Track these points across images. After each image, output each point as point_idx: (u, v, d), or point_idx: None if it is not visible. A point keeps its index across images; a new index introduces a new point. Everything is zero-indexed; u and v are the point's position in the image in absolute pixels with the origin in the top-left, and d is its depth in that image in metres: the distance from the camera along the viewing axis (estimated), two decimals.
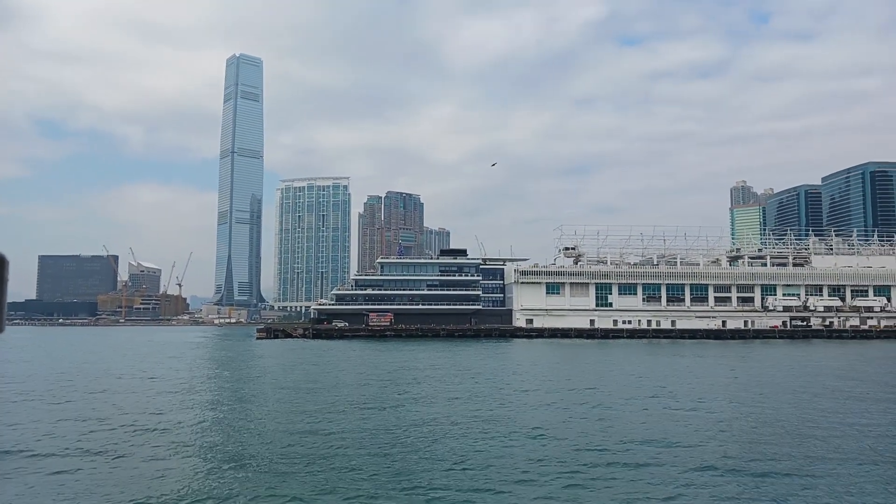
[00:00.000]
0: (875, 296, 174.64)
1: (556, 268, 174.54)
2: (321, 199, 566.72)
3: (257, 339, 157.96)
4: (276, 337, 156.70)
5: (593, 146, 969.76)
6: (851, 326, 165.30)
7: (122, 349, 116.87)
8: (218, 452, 26.96)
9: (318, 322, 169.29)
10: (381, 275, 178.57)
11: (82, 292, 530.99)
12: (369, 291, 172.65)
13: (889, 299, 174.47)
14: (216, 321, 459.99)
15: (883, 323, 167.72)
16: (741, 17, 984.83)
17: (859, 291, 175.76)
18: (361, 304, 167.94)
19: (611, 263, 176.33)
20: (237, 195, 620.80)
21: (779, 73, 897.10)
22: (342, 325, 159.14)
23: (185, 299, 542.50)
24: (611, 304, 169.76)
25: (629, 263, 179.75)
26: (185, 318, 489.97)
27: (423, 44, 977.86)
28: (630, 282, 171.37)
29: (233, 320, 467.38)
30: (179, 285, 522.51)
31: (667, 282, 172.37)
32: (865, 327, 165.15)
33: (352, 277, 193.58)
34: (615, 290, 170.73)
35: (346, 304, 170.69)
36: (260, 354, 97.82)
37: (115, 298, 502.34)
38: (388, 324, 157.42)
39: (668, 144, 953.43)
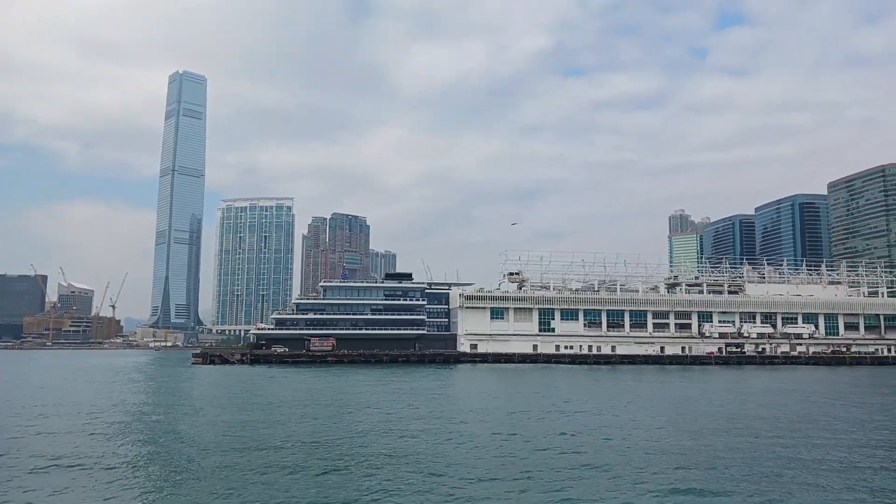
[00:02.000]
0: (804, 323, 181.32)
1: (500, 293, 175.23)
2: (264, 220, 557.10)
3: (193, 364, 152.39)
4: (212, 362, 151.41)
5: (539, 172, 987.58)
6: (782, 353, 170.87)
7: (40, 376, 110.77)
8: (138, 492, 25.23)
9: (257, 347, 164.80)
10: (323, 298, 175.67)
11: (7, 314, 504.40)
12: (311, 316, 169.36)
13: (817, 326, 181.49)
14: (151, 344, 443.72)
15: (811, 349, 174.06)
16: (680, 52, 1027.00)
17: (789, 319, 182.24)
18: (303, 329, 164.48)
19: (553, 289, 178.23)
20: (177, 214, 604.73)
21: (715, 106, 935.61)
22: (282, 350, 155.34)
23: (118, 321, 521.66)
24: (553, 330, 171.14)
25: (571, 289, 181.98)
26: (118, 340, 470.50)
27: (373, 68, 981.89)
28: (572, 307, 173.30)
29: (169, 343, 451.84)
30: (113, 307, 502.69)
31: (607, 308, 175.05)
32: (795, 353, 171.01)
33: (293, 301, 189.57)
34: (557, 315, 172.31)
35: (286, 329, 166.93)
36: (193, 383, 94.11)
37: (43, 320, 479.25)
38: (330, 349, 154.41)
39: (609, 172, 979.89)
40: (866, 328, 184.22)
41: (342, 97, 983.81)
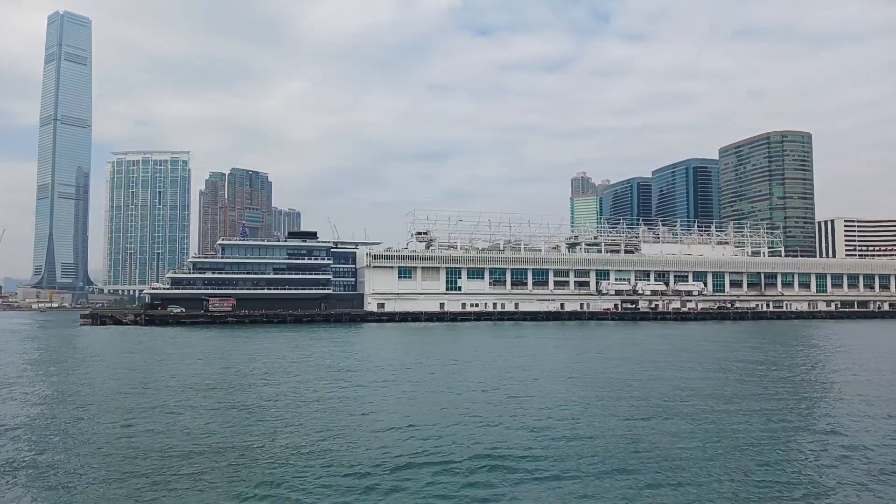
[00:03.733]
0: (694, 281, 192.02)
1: (408, 252, 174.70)
2: (158, 175, 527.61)
3: (81, 325, 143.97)
4: (103, 323, 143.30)
5: (448, 132, 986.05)
6: (674, 309, 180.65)
7: None
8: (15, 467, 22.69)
9: (151, 307, 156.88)
10: (222, 257, 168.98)
11: None
12: (209, 275, 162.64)
13: (706, 284, 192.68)
14: (35, 306, 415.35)
15: (700, 306, 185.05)
16: (585, 15, 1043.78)
17: (681, 277, 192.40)
18: (200, 289, 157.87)
19: (461, 248, 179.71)
20: (60, 167, 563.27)
21: (618, 70, 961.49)
22: (178, 310, 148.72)
23: None
24: (460, 288, 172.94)
25: (478, 249, 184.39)
26: None
27: (273, 17, 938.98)
28: (478, 266, 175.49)
29: (55, 305, 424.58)
30: None
31: (512, 266, 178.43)
32: (685, 310, 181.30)
33: (190, 260, 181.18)
34: (464, 274, 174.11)
35: (183, 288, 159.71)
36: (82, 344, 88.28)
37: None
38: (231, 309, 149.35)
39: (516, 134, 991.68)
40: (749, 285, 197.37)
41: (241, 47, 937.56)
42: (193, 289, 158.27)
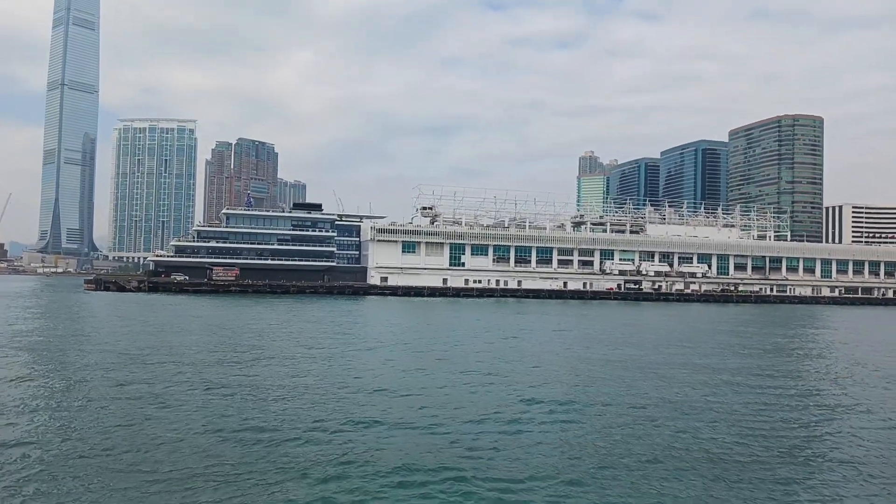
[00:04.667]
0: (698, 263, 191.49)
1: (412, 227, 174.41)
2: (164, 143, 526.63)
3: (85, 290, 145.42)
4: (107, 289, 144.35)
5: (455, 108, 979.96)
6: (677, 290, 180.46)
7: None
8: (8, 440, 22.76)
9: (155, 274, 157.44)
10: (226, 227, 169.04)
11: None
12: (213, 244, 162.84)
13: (710, 266, 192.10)
14: (40, 270, 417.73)
15: (703, 288, 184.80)
16: None
17: (685, 258, 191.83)
18: (204, 257, 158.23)
19: (465, 225, 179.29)
20: (67, 132, 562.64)
21: (630, 50, 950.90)
22: (182, 278, 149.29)
23: (1, 245, 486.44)
24: (463, 264, 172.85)
25: (482, 225, 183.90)
26: (1, 265, 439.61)
27: None
28: (482, 243, 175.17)
29: (60, 270, 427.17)
30: None
31: (515, 244, 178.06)
32: (688, 291, 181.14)
33: (194, 228, 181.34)
34: (468, 250, 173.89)
35: (187, 256, 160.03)
36: (85, 308, 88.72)
37: None
38: (234, 279, 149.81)
39: (524, 111, 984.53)
40: (753, 269, 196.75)
41: (251, 18, 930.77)
42: (197, 257, 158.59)
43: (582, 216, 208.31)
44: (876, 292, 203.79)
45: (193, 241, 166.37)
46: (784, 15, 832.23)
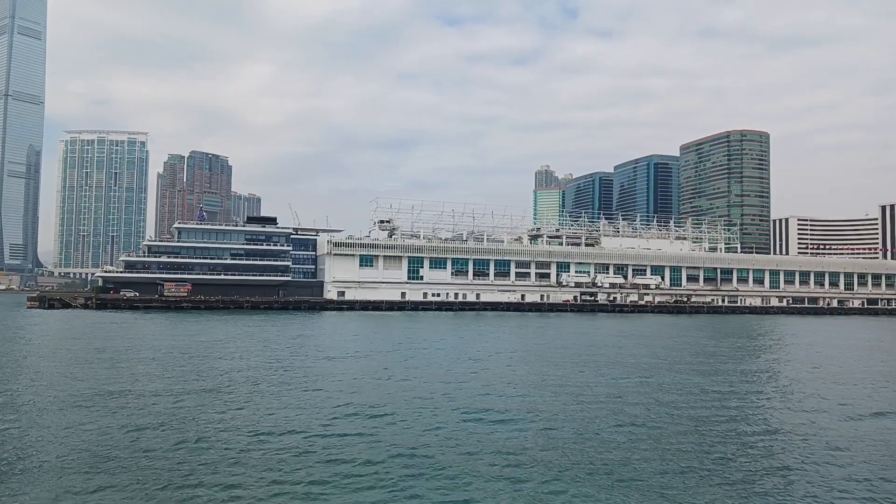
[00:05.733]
0: (652, 275, 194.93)
1: (370, 240, 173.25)
2: (114, 155, 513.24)
3: (28, 308, 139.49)
4: (51, 307, 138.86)
5: (412, 122, 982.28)
6: (631, 302, 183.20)
7: None
8: None
9: (104, 291, 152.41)
10: (178, 241, 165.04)
11: None
12: (164, 259, 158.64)
13: (663, 278, 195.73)
14: None
15: (657, 299, 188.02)
16: (553, 10, 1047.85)
17: (639, 270, 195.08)
18: (155, 273, 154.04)
19: (423, 238, 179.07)
20: (11, 145, 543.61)
21: (584, 66, 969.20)
22: (132, 294, 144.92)
23: None
24: (422, 277, 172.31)
25: (441, 238, 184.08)
26: None
27: (240, 0, 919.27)
28: (441, 256, 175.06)
29: (2, 287, 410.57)
30: None
31: (474, 257, 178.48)
32: (643, 303, 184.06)
33: (144, 243, 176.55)
34: (426, 263, 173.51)
35: (137, 272, 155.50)
36: (27, 327, 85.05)
37: None
38: (186, 294, 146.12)
39: (481, 126, 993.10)
40: (705, 280, 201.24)
41: (205, 29, 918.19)
42: (148, 273, 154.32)
43: (539, 229, 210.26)
44: (822, 302, 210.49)
45: (144, 257, 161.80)
46: (732, 33, 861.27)
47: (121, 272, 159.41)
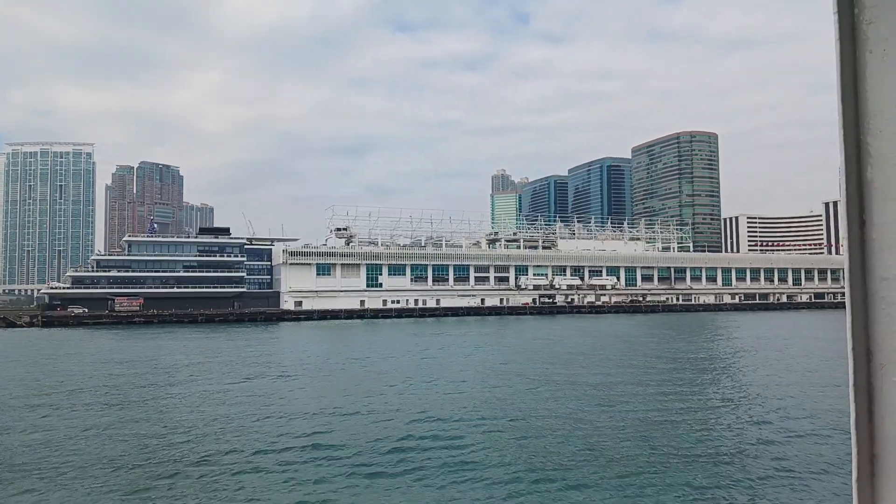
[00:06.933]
0: (608, 275, 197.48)
1: (327, 249, 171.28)
2: (59, 167, 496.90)
3: None
4: None
5: (367, 127, 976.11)
6: (588, 303, 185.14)
7: None
8: None
9: (50, 308, 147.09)
10: (128, 255, 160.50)
11: None
12: (114, 273, 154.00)
13: (619, 278, 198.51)
14: None
15: (613, 299, 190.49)
16: (505, 15, 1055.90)
17: (595, 272, 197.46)
18: (105, 288, 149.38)
19: (382, 245, 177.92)
20: None
21: (536, 70, 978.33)
22: (80, 310, 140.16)
23: None
24: (381, 285, 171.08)
25: (399, 245, 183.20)
26: None
27: (186, 7, 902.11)
28: (399, 263, 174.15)
29: None
30: None
31: (433, 262, 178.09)
32: (600, 303, 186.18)
33: (93, 257, 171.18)
34: (385, 270, 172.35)
35: (85, 287, 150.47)
36: None
37: None
38: (138, 309, 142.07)
39: (436, 130, 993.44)
40: (659, 279, 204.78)
41: (151, 37, 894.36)
42: (97, 288, 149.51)
43: (496, 233, 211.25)
44: (772, 297, 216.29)
45: (93, 271, 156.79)
46: (677, 36, 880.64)
47: (68, 288, 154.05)
